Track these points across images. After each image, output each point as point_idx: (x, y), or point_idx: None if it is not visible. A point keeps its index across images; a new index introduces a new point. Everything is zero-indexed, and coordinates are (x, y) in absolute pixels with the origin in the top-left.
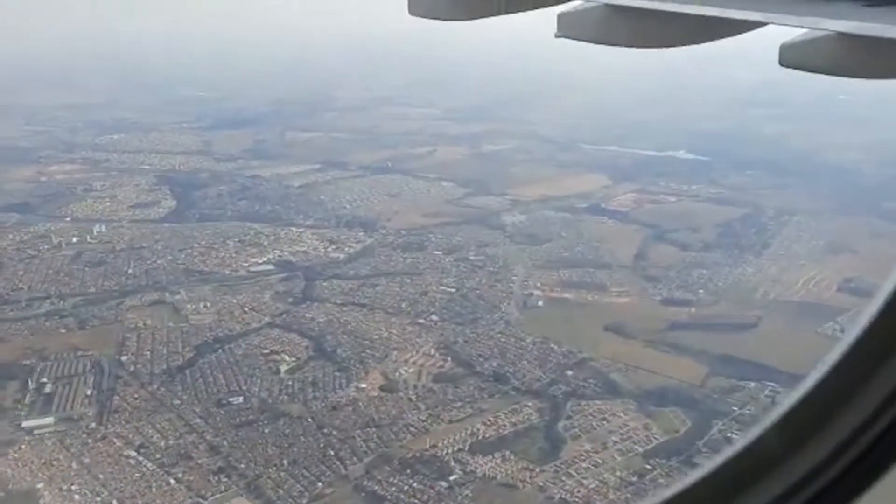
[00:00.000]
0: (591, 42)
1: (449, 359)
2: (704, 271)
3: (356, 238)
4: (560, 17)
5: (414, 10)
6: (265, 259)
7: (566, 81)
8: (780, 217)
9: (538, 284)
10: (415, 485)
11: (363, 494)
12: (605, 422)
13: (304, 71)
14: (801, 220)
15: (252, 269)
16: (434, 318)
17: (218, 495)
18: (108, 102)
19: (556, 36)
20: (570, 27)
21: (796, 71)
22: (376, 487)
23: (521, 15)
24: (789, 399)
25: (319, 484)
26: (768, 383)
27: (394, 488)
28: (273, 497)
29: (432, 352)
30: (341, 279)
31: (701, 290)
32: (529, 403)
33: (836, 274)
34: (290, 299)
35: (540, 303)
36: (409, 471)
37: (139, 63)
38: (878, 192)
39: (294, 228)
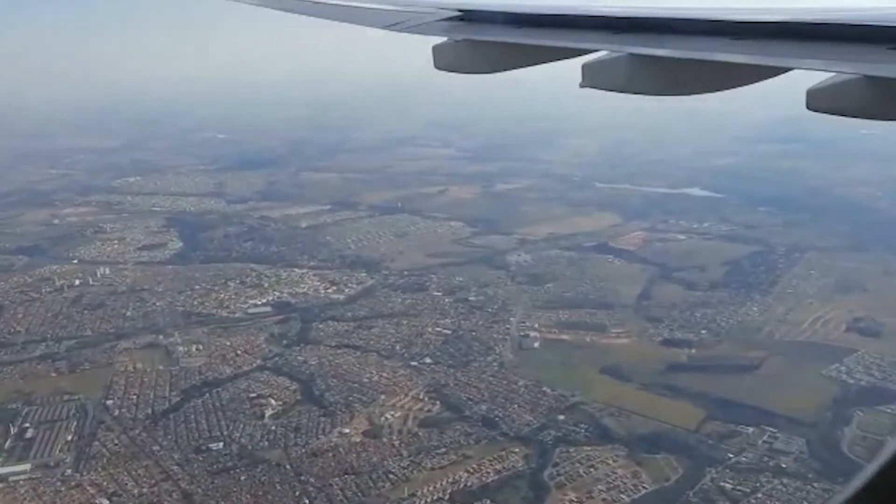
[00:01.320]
0: (616, 91)
1: (438, 403)
2: (708, 311)
3: (358, 279)
4: (585, 67)
5: (439, 64)
6: (264, 301)
7: (584, 122)
8: (790, 254)
9: (536, 325)
10: None
11: None
12: (592, 469)
13: (327, 113)
14: (811, 257)
15: (250, 310)
16: (427, 360)
17: None
18: (130, 145)
19: (581, 86)
20: (594, 77)
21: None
22: None
23: (544, 66)
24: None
25: None
26: (767, 428)
27: None
28: None
29: (422, 395)
30: (338, 321)
31: (703, 331)
32: (516, 450)
33: (845, 313)
34: (285, 342)
35: (536, 344)
36: None
37: (165, 108)
38: (892, 229)
39: (297, 269)
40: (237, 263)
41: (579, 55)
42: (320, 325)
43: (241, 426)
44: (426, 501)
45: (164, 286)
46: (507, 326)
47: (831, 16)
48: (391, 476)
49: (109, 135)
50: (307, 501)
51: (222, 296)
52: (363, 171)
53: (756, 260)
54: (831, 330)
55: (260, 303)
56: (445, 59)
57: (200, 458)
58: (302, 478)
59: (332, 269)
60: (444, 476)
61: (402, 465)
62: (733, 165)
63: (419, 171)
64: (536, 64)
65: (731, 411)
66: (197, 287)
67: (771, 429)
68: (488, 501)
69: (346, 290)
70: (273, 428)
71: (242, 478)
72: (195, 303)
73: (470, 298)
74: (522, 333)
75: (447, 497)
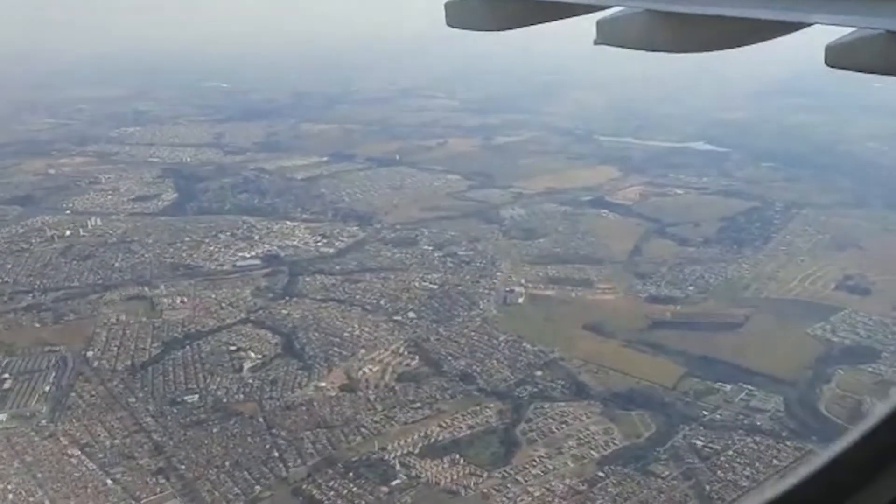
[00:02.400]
0: (631, 48)
1: (417, 357)
2: (698, 267)
3: (349, 232)
4: (599, 24)
5: (451, 21)
6: (253, 253)
7: (595, 75)
8: (787, 210)
9: (522, 281)
10: (354, 489)
11: (300, 499)
12: (564, 425)
13: (334, 65)
14: (809, 213)
15: (239, 263)
16: (411, 315)
17: (152, 497)
18: (135, 95)
19: (596, 43)
20: (609, 34)
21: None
22: (315, 491)
23: (557, 23)
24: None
25: (258, 487)
26: (745, 386)
27: (332, 492)
28: (208, 500)
29: (402, 350)
30: (326, 274)
31: (691, 287)
32: (491, 405)
33: (836, 271)
34: (270, 295)
35: (521, 299)
36: (351, 474)
37: (173, 57)
38: (895, 186)
39: (289, 222)
40: (230, 215)
41: (594, 11)
42: (307, 279)
43: (219, 379)
44: (395, 455)
45: (155, 238)
46: (494, 281)
47: None
48: (363, 430)
49: (115, 84)
50: (276, 454)
51: (212, 248)
52: (364, 122)
53: (752, 216)
54: (820, 288)
55: (249, 255)
56: (458, 17)
57: (175, 411)
58: (273, 431)
59: (325, 221)
60: (417, 430)
61: (375, 419)
62: (742, 120)
63: (421, 123)
64: (551, 20)
65: (710, 369)
66: (187, 239)
67: (749, 386)
68: (457, 456)
69: (337, 243)
70: (250, 381)
71: (215, 430)
72: (184, 255)
73: (459, 253)
74: (508, 289)
75: (417, 451)
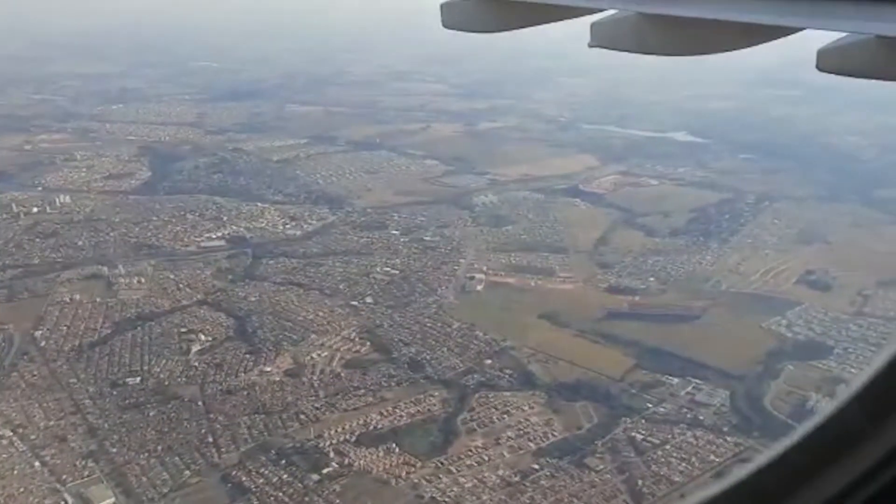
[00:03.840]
0: (625, 51)
1: (368, 343)
2: (661, 258)
3: (319, 215)
4: (593, 26)
5: (447, 22)
6: (220, 234)
7: (587, 62)
8: (759, 203)
9: (484, 268)
10: (285, 476)
11: (228, 486)
12: (506, 415)
13: (326, 46)
14: (781, 206)
15: (203, 244)
16: (368, 300)
17: (78, 481)
18: (124, 73)
19: (590, 46)
20: (603, 37)
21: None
22: (244, 478)
23: (551, 25)
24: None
25: (187, 472)
26: (693, 380)
27: (261, 480)
28: (134, 485)
29: (353, 336)
30: (289, 257)
31: (652, 279)
32: (436, 394)
33: (799, 265)
34: (231, 277)
35: (479, 287)
36: (283, 462)
37: (163, 34)
38: (872, 180)
39: (260, 204)
40: (202, 196)
41: (590, 14)
42: (270, 262)
43: (164, 361)
44: (331, 443)
45: (122, 217)
46: (456, 268)
47: None
48: (301, 416)
49: (106, 61)
50: (211, 440)
51: (178, 228)
52: (350, 105)
53: (723, 208)
54: (781, 282)
55: (215, 237)
56: (454, 18)
57: (115, 393)
58: (211, 415)
59: (296, 204)
60: (356, 418)
61: (315, 405)
62: (727, 110)
63: (406, 108)
64: (546, 22)
65: (661, 361)
66: (154, 219)
67: (697, 380)
68: (394, 445)
69: (305, 226)
70: (195, 364)
71: (151, 414)
72: (149, 234)
73: (426, 238)
74: (468, 276)
75: (354, 439)
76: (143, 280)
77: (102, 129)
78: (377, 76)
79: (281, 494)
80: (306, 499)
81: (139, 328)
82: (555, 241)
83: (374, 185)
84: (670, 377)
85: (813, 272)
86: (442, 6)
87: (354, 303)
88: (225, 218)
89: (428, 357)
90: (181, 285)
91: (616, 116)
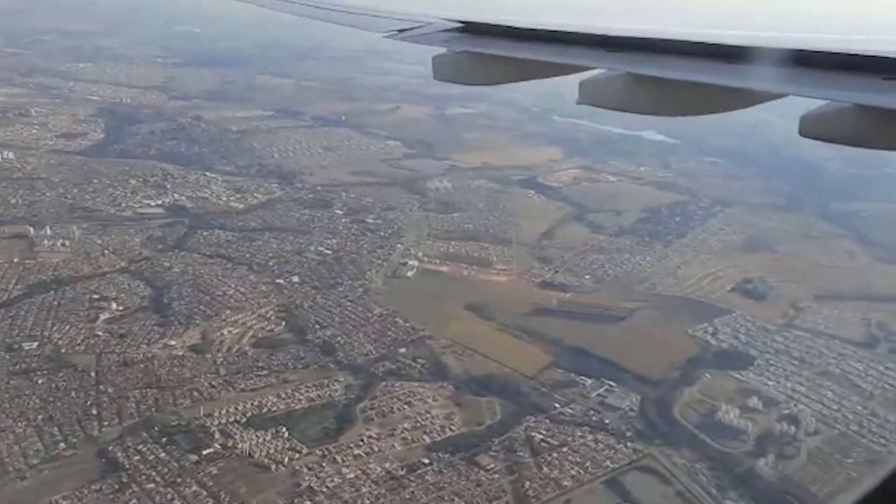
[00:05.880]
0: (611, 109)
1: (283, 323)
2: (602, 256)
3: (267, 189)
4: (582, 85)
5: (438, 74)
6: (160, 202)
7: None
8: (712, 207)
9: (420, 254)
10: (162, 455)
11: (102, 461)
12: (407, 406)
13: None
14: (734, 212)
15: (140, 210)
16: (294, 279)
17: None
18: (102, 31)
19: (578, 103)
20: (591, 95)
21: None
22: (119, 455)
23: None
24: None
25: (62, 444)
26: (607, 382)
27: (137, 457)
28: (4, 454)
29: (270, 314)
30: (225, 230)
31: (587, 276)
32: (341, 379)
33: (738, 273)
34: (160, 246)
35: (410, 273)
36: (164, 440)
37: None
38: (833, 192)
39: (208, 174)
40: (151, 161)
41: (577, 72)
42: (205, 233)
43: (68, 328)
44: (219, 423)
45: (63, 177)
46: (391, 252)
47: (827, 45)
48: (195, 394)
49: (89, 18)
50: (95, 412)
51: (118, 192)
52: (323, 80)
53: (676, 210)
54: (717, 288)
55: (154, 204)
56: (445, 71)
57: (7, 357)
58: (101, 387)
59: (246, 176)
60: (252, 399)
61: (213, 383)
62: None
63: (380, 87)
64: (534, 78)
65: (578, 361)
66: (96, 181)
67: (610, 382)
68: (284, 429)
69: (250, 199)
70: (99, 333)
71: (40, 381)
72: (86, 197)
73: (368, 220)
74: (402, 261)
75: (244, 421)
76: (67, 243)
77: (65, 86)
78: (356, 52)
79: (154, 473)
80: (178, 479)
81: (52, 292)
82: (499, 232)
83: (329, 163)
84: (585, 378)
85: (751, 280)
86: (434, 59)
87: (280, 280)
88: (168, 185)
89: (342, 341)
90: (106, 251)
91: (590, 111)
